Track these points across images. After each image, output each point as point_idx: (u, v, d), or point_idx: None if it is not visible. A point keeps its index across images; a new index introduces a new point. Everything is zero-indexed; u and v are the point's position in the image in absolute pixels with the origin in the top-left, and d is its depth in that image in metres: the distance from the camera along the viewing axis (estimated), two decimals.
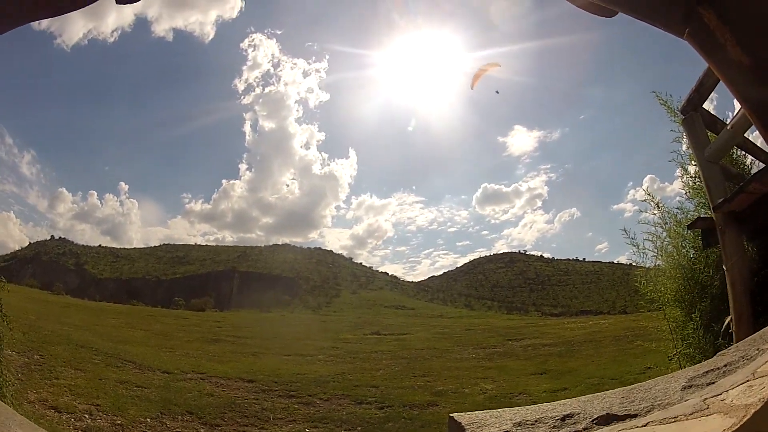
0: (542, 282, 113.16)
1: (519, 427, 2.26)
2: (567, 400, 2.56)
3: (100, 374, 12.93)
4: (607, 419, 2.20)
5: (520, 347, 21.39)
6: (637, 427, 2.06)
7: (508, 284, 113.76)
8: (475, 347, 22.19)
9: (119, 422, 9.35)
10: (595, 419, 2.22)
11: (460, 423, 2.44)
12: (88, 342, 17.29)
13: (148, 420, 9.89)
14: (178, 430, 9.67)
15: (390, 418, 10.76)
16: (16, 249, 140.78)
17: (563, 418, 2.29)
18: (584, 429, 2.17)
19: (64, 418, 8.88)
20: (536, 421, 2.31)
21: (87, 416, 9.25)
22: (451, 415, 2.59)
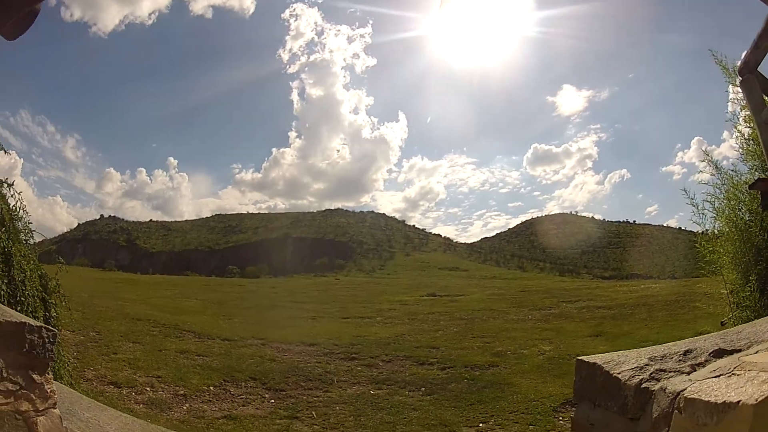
0: (593, 244, 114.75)
1: (652, 361, 2.57)
2: (677, 341, 2.89)
3: (159, 346, 13.27)
4: (720, 353, 2.52)
5: (574, 309, 21.81)
6: (759, 352, 2.37)
7: (560, 246, 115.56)
8: (531, 309, 22.61)
9: (182, 392, 9.51)
10: (711, 353, 2.54)
11: (595, 363, 2.75)
12: (145, 315, 17.89)
13: (212, 388, 10.05)
14: (242, 396, 9.80)
15: (452, 379, 10.87)
16: (65, 231, 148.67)
17: (684, 353, 2.61)
18: (705, 360, 2.49)
19: (125, 393, 9.05)
20: (663, 356, 2.63)
21: (148, 389, 9.45)
22: (579, 358, 2.91)
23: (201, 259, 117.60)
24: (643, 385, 2.40)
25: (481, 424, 8.14)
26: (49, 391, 3.17)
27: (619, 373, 2.55)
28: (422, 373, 11.53)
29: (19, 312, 5.16)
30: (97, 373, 10.08)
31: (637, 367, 2.56)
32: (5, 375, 2.85)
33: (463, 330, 17.44)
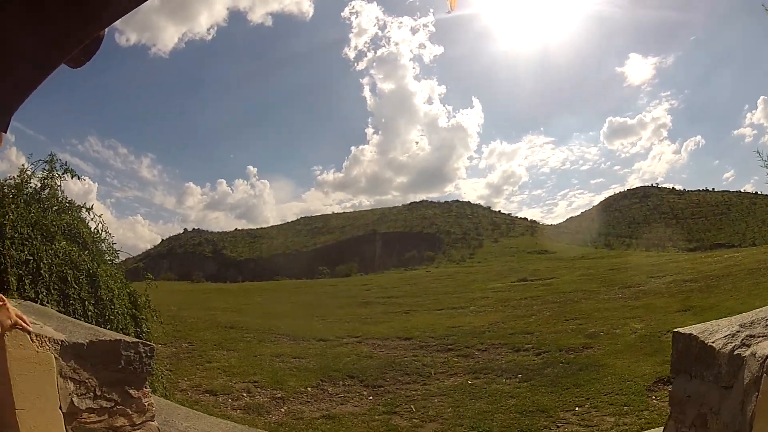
0: (676, 216, 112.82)
1: (742, 328, 2.58)
2: (764, 307, 2.87)
3: (254, 351, 13.76)
4: None
5: (663, 284, 21.73)
6: None
7: (643, 220, 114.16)
8: (621, 287, 22.54)
9: (279, 396, 9.84)
10: None
11: (691, 333, 2.80)
12: (237, 322, 18.57)
13: (309, 389, 10.35)
14: (340, 395, 10.03)
15: (548, 364, 10.94)
16: (149, 248, 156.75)
17: None
18: None
19: (221, 400, 9.47)
20: (752, 322, 2.63)
21: (245, 394, 9.84)
22: (675, 330, 2.99)
23: (290, 263, 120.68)
24: (735, 352, 2.41)
25: (577, 408, 8.15)
26: (146, 404, 3.32)
27: (713, 342, 2.59)
28: (518, 360, 11.63)
29: (109, 330, 5.48)
30: (191, 382, 10.58)
31: (729, 334, 2.57)
32: (98, 393, 3.01)
33: (556, 313, 17.52)
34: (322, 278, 67.60)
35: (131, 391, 3.20)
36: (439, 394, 9.69)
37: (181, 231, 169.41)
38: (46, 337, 2.77)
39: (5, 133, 4.56)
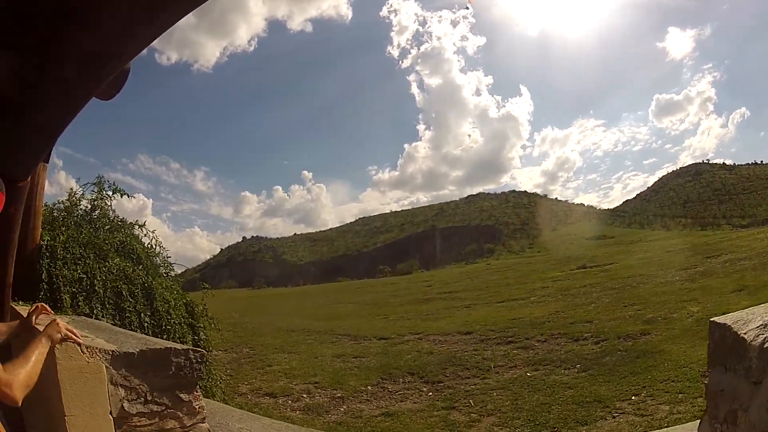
0: (728, 192, 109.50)
1: None
2: None
3: (315, 353, 14.12)
4: None
5: (718, 264, 21.48)
6: None
7: (697, 198, 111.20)
8: (677, 269, 22.32)
9: (339, 395, 10.10)
10: None
11: (725, 324, 2.66)
12: (298, 325, 19.05)
13: (369, 388, 10.57)
14: (400, 392, 10.19)
15: (606, 352, 10.90)
16: (208, 258, 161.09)
17: None
18: None
19: (281, 402, 9.78)
20: None
21: (305, 395, 10.13)
22: (712, 320, 2.83)
23: (351, 264, 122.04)
24: (766, 345, 2.29)
25: (633, 397, 8.11)
26: (197, 407, 3.56)
27: (745, 333, 2.46)
28: (577, 350, 11.61)
29: (166, 339, 5.80)
30: (251, 386, 10.97)
31: (762, 324, 2.44)
32: (149, 398, 3.26)
33: (614, 300, 17.39)
34: (384, 277, 68.02)
35: (182, 395, 3.43)
36: (498, 388, 9.75)
37: (240, 239, 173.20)
38: (96, 348, 3.03)
39: (47, 163, 4.90)
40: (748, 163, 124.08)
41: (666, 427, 4.81)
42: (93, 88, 2.20)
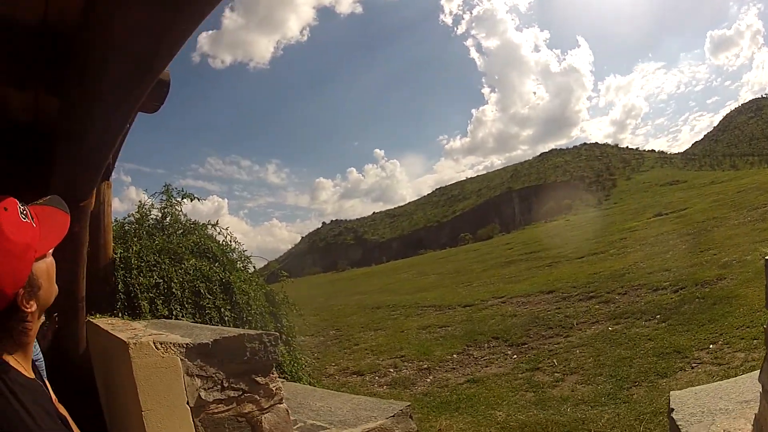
0: None
1: None
2: None
3: (401, 327, 14.37)
4: None
5: None
6: None
7: (761, 134, 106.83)
8: (749, 209, 21.52)
9: (425, 366, 10.29)
10: None
11: None
12: (384, 302, 19.37)
13: (455, 356, 10.73)
14: (485, 357, 10.30)
15: (684, 300, 10.67)
16: (290, 248, 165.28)
17: None
18: None
19: (368, 379, 10.05)
20: None
21: (392, 370, 10.37)
22: (767, 257, 2.52)
23: (432, 236, 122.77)
24: None
25: (711, 345, 7.96)
26: (274, 389, 3.77)
27: None
28: (656, 300, 11.40)
29: (248, 329, 6.11)
30: (338, 367, 11.31)
31: None
32: (226, 385, 3.50)
33: (691, 246, 16.96)
34: (465, 245, 67.97)
35: (258, 379, 3.65)
36: (580, 345, 9.73)
37: (320, 225, 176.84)
38: (170, 343, 3.27)
39: (108, 180, 5.23)
40: None
41: (741, 374, 4.70)
42: (132, 107, 2.37)
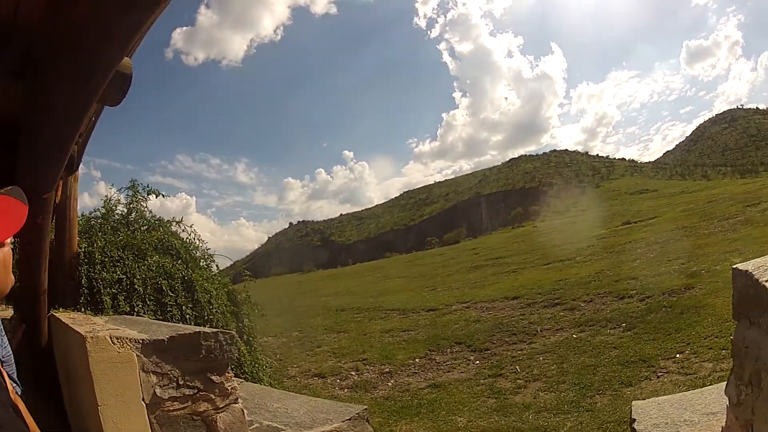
0: (764, 137, 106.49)
1: None
2: None
3: (364, 330, 14.35)
4: None
5: (758, 212, 21.32)
6: None
7: (735, 145, 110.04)
8: (719, 219, 22.13)
9: (387, 370, 10.29)
10: None
11: (747, 270, 2.34)
12: (348, 304, 19.36)
13: (417, 360, 10.75)
14: (447, 362, 10.34)
15: (651, 309, 10.80)
16: (256, 248, 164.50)
17: None
18: None
19: (329, 381, 10.01)
20: None
21: (353, 373, 10.34)
22: (735, 266, 2.50)
23: (399, 239, 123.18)
24: None
25: (678, 355, 8.05)
26: (230, 388, 3.77)
27: (766, 281, 2.10)
28: (622, 308, 11.55)
29: (209, 328, 6.08)
30: (300, 368, 11.26)
31: None
32: (181, 382, 3.48)
33: (659, 254, 17.28)
34: (432, 249, 68.24)
35: (213, 378, 3.64)
36: (544, 352, 9.81)
37: (287, 225, 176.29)
38: (126, 338, 3.25)
39: (74, 173, 5.17)
40: None
41: (708, 385, 4.76)
42: (91, 95, 2.36)
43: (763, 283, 2.10)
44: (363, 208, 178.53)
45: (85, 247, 5.86)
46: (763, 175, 57.25)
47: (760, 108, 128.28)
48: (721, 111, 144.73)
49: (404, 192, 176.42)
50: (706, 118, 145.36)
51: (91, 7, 1.62)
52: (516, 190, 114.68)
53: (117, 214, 7.25)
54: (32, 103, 2.55)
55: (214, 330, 3.76)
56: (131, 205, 7.41)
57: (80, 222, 6.13)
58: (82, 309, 5.43)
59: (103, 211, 7.09)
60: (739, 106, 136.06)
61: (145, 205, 7.56)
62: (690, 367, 7.42)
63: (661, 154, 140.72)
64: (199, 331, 3.65)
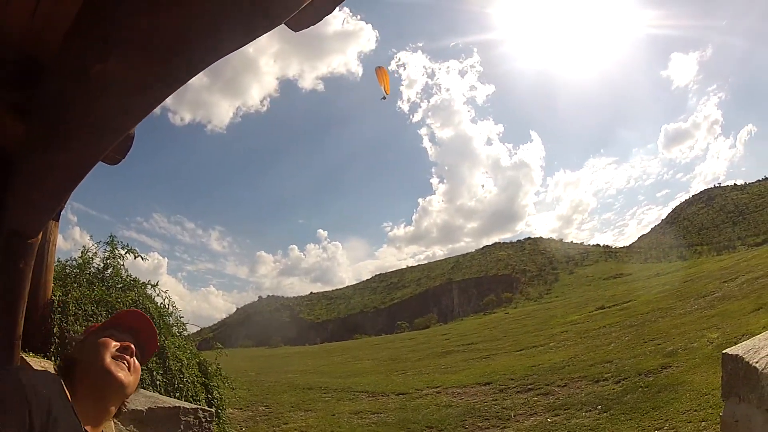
0: (741, 212, 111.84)
1: None
2: None
3: (332, 410, 13.92)
4: None
5: (735, 287, 21.49)
6: None
7: (711, 223, 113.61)
8: (696, 297, 22.31)
9: None
10: None
11: (737, 354, 2.67)
12: (316, 383, 18.86)
13: None
14: None
15: (627, 391, 10.83)
16: (225, 317, 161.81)
17: None
18: None
19: None
20: None
21: None
22: (724, 351, 2.87)
23: (368, 321, 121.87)
24: None
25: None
26: None
27: (756, 362, 2.44)
28: (597, 391, 11.52)
29: (178, 398, 5.83)
30: None
31: None
32: None
33: (634, 337, 17.35)
34: (402, 332, 67.55)
35: None
36: None
37: (257, 298, 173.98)
38: None
39: (57, 221, 5.05)
40: (759, 180, 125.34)
41: None
42: (96, 156, 2.32)
43: (753, 364, 2.42)
44: (334, 288, 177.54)
45: (59, 295, 5.67)
46: (740, 250, 58.25)
47: (738, 183, 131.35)
48: (698, 191, 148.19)
49: (376, 275, 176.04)
50: (683, 200, 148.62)
51: (129, 63, 1.58)
52: (489, 277, 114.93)
53: (93, 267, 7.07)
54: (35, 151, 2.49)
55: (194, 406, 3.64)
56: (108, 260, 7.24)
57: (56, 268, 5.94)
58: (52, 358, 5.19)
59: (80, 261, 6.91)
60: (716, 185, 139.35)
61: (122, 262, 7.39)
62: None
63: (636, 238, 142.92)
64: (179, 406, 3.52)
